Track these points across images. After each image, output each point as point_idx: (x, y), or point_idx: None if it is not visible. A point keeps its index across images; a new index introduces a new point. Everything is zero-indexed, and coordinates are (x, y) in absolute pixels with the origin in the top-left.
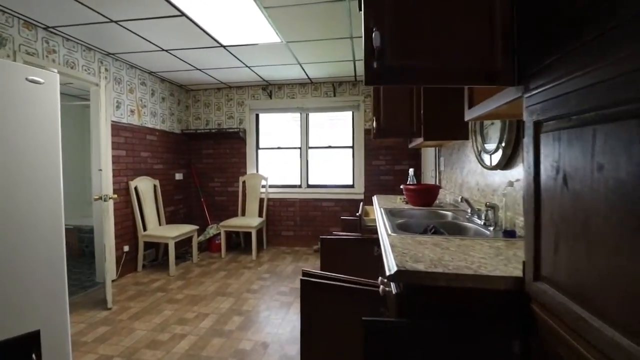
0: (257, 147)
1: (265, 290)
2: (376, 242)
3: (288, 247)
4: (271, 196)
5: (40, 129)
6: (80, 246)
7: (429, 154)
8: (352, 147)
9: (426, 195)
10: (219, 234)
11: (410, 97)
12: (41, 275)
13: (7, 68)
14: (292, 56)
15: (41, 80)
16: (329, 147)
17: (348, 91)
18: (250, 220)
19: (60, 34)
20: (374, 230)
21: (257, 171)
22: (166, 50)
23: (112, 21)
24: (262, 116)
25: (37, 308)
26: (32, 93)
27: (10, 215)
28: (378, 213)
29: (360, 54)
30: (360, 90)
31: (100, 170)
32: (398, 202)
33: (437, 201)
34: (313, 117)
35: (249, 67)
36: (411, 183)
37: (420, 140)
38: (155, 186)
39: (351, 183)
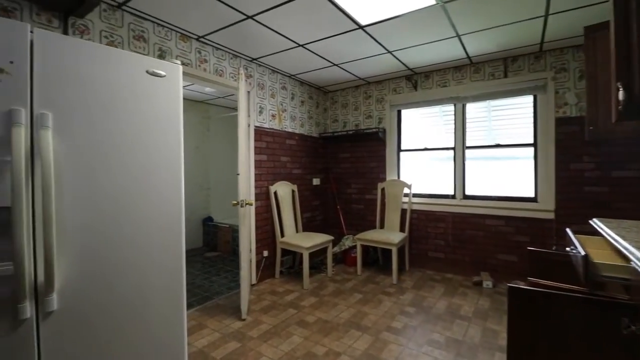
0: (399, 149)
1: (410, 333)
2: (626, 309)
3: (436, 273)
4: (415, 207)
5: (161, 124)
6: (233, 245)
7: None
8: (535, 144)
9: None
10: (355, 246)
11: None
12: (158, 282)
13: (127, 59)
14: (448, 25)
15: (162, 72)
16: (497, 145)
17: (527, 67)
18: (391, 236)
19: (210, 43)
20: (612, 284)
21: (398, 177)
22: (302, 46)
23: (248, 17)
24: (404, 113)
25: (153, 317)
26: (153, 86)
27: (129, 216)
28: None
29: (562, 1)
30: (547, 63)
31: (238, 174)
32: None
33: None
34: (472, 108)
35: (390, 52)
36: None
37: None
38: (293, 191)
39: (532, 195)
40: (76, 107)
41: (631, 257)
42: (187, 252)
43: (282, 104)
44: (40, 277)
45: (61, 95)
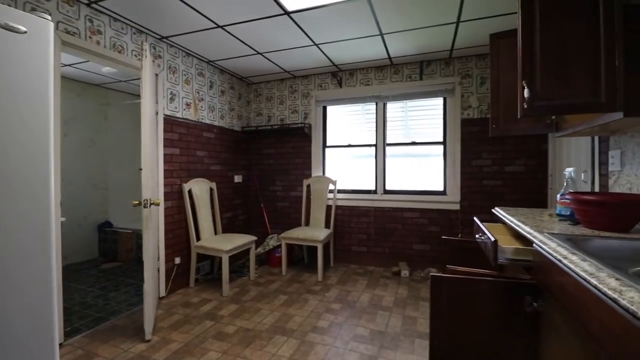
0: (324, 146)
1: (336, 331)
2: (528, 288)
3: (360, 266)
4: (340, 203)
5: (20, 95)
6: (138, 253)
7: (570, 148)
8: (444, 143)
9: (625, 212)
10: (280, 245)
11: (595, 39)
12: (20, 301)
13: None
14: (373, 22)
15: (21, 27)
16: (412, 143)
17: (439, 72)
18: (317, 233)
19: (106, 11)
20: (515, 266)
21: (323, 173)
22: (221, 27)
23: None
24: (330, 109)
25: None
26: (8, 46)
27: None
28: (549, 245)
29: (472, 11)
30: (455, 69)
31: (141, 169)
32: (547, 219)
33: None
34: (392, 108)
35: (317, 45)
36: (574, 191)
37: (614, 116)
38: (211, 189)
39: (442, 189)
40: None
41: (534, 240)
42: (76, 264)
43: (198, 92)
44: None
45: None
